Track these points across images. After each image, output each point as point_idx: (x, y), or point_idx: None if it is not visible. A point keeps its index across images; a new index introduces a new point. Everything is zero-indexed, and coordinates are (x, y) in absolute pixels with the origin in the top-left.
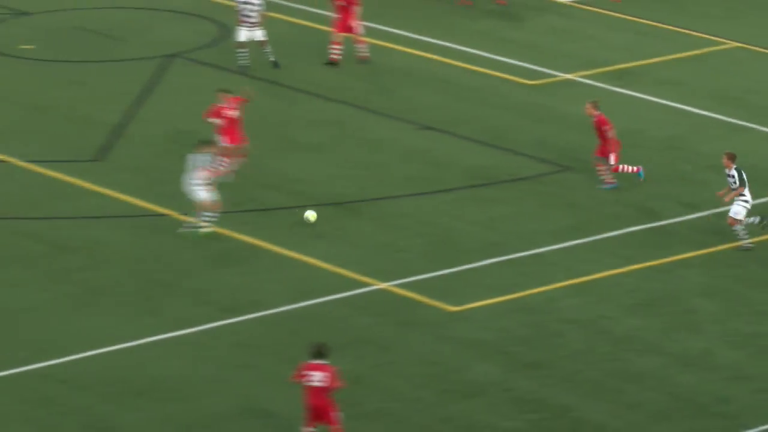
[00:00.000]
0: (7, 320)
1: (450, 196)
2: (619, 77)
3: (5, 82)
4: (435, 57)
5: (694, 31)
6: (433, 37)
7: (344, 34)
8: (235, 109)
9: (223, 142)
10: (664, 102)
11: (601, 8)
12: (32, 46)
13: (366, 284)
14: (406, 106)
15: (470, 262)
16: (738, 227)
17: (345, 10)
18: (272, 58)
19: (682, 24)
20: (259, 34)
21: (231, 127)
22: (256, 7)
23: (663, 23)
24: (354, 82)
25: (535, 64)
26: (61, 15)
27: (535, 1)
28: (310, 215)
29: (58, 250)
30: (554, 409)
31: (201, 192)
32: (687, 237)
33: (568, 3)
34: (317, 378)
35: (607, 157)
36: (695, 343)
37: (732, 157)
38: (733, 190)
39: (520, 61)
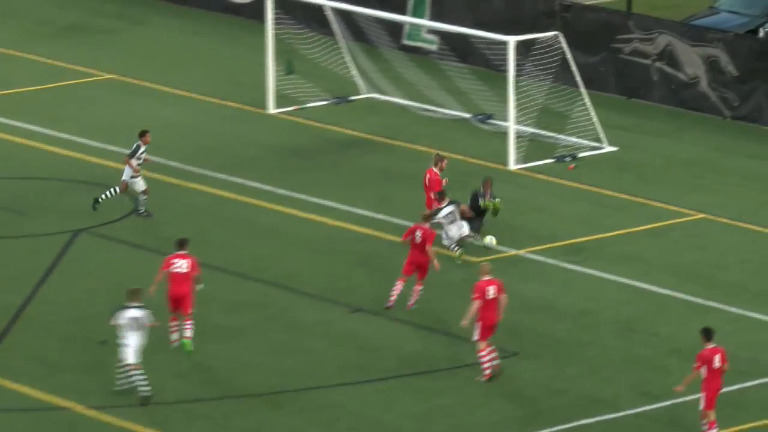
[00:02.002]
0: None
1: (383, 385)
2: (572, 253)
3: None
4: (366, 230)
5: (655, 201)
6: (362, 208)
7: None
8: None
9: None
10: (621, 280)
11: (552, 176)
12: None
13: None
14: (333, 286)
15: None
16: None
17: None
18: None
19: (642, 194)
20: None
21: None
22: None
23: (621, 193)
24: (277, 259)
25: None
26: None
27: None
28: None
29: None
30: None
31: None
32: (646, 430)
33: (516, 170)
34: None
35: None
36: None
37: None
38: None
39: None
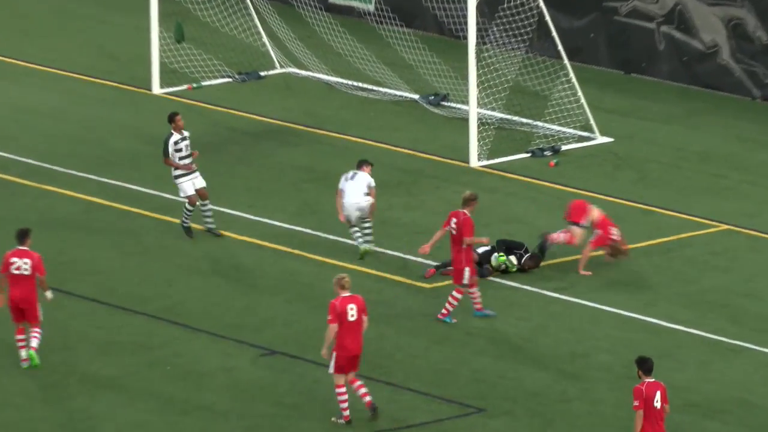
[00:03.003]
0: None
1: None
2: (555, 277)
3: None
4: (282, 247)
5: (662, 208)
6: (276, 219)
7: None
8: None
9: None
10: (619, 312)
11: (528, 176)
12: None
13: None
14: (239, 321)
15: None
16: None
17: None
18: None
19: (645, 198)
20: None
21: None
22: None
23: (618, 197)
24: (165, 285)
25: None
26: None
27: None
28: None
29: None
30: None
31: None
32: None
33: (479, 168)
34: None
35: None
36: None
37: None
38: None
39: None
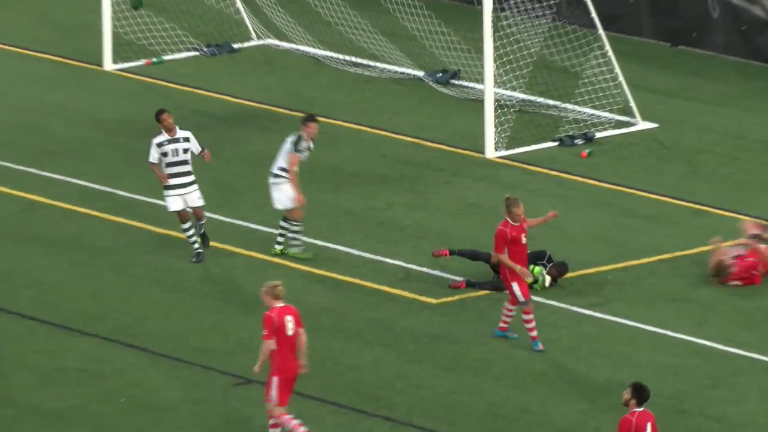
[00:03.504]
0: None
1: None
2: (587, 290)
3: None
4: (256, 255)
5: (715, 207)
6: (253, 221)
7: None
8: None
9: None
10: (664, 332)
11: (554, 170)
12: None
13: None
14: (206, 344)
15: None
16: None
17: None
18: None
19: (696, 196)
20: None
21: None
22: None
23: (662, 194)
24: (119, 301)
25: None
26: None
27: None
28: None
29: None
30: None
31: None
32: None
33: (496, 159)
34: None
35: None
36: None
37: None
38: None
39: None
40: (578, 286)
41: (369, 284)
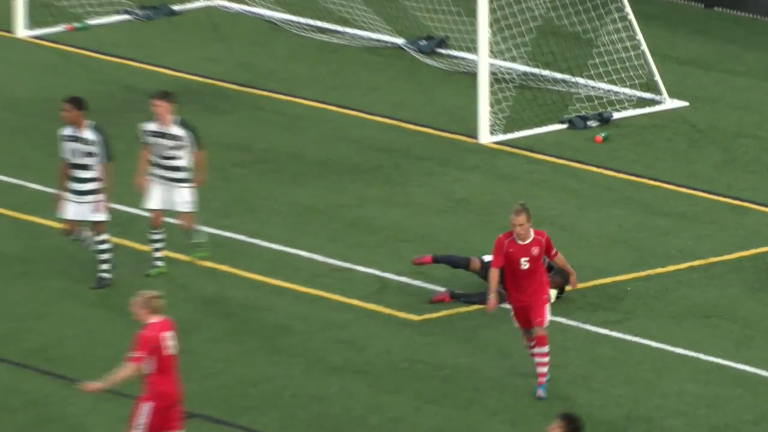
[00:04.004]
0: None
1: None
2: (603, 304)
3: None
4: (217, 266)
5: (758, 203)
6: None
7: None
8: None
9: None
10: (697, 355)
11: (563, 158)
12: None
13: None
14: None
15: None
16: None
17: None
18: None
19: (735, 190)
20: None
21: None
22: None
23: (694, 188)
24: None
25: None
26: None
27: None
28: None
29: None
30: None
31: None
32: None
33: (493, 145)
34: None
35: None
36: None
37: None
38: None
39: None
40: (592, 299)
41: (336, 297)
